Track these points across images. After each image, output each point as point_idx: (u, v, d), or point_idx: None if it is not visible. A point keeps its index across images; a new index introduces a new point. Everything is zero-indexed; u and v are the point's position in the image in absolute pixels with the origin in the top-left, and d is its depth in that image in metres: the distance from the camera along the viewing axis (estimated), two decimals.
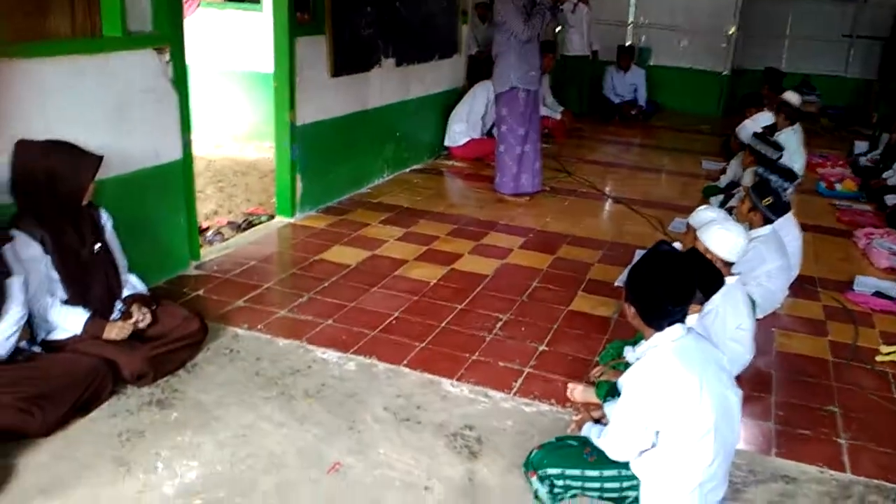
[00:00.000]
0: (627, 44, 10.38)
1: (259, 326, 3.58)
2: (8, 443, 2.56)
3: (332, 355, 3.35)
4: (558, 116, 8.38)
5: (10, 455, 2.54)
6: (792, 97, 6.31)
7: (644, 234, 5.20)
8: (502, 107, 5.91)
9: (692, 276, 2.33)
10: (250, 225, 5.13)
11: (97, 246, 3.11)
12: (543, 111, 7.98)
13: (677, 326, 2.30)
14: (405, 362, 3.32)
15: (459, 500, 2.47)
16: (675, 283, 2.30)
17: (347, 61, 5.50)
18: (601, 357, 3.26)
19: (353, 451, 2.69)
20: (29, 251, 2.89)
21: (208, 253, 4.45)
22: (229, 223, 5.13)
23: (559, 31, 9.50)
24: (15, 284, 2.78)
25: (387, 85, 6.13)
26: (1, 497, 2.36)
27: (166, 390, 3.00)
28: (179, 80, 3.89)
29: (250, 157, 7.12)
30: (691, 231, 3.29)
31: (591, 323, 3.83)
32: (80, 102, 3.36)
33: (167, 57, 3.79)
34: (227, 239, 4.82)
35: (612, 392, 2.75)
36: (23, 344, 2.88)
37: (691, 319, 2.54)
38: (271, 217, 5.28)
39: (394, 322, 3.72)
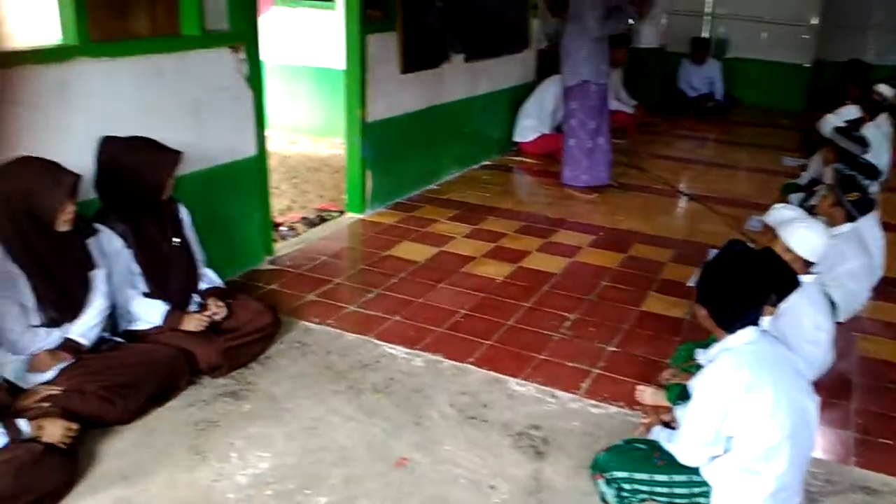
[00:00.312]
0: (703, 35, 10.07)
1: (329, 321, 3.64)
2: (91, 430, 2.68)
3: (399, 351, 3.39)
4: (631, 111, 8.22)
5: (93, 442, 2.66)
6: (885, 90, 6.02)
7: (719, 233, 5.05)
8: (572, 101, 5.85)
9: (766, 277, 2.25)
10: (322, 220, 5.22)
11: (176, 240, 3.22)
12: (616, 105, 7.86)
13: (750, 329, 2.24)
14: (471, 360, 3.33)
15: (525, 500, 2.46)
16: (748, 284, 2.23)
17: (417, 57, 5.53)
18: (673, 359, 3.19)
19: (419, 447, 2.71)
20: (112, 245, 3.01)
21: (281, 248, 4.56)
22: (302, 218, 5.24)
23: (632, 24, 9.30)
24: (99, 277, 2.91)
25: (456, 81, 6.13)
26: (84, 481, 2.47)
27: (240, 382, 3.09)
28: (254, 78, 3.99)
29: (323, 154, 7.24)
30: (768, 230, 3.18)
31: (662, 324, 3.75)
32: (160, 100, 3.48)
33: (242, 55, 3.89)
34: (299, 234, 4.93)
35: (682, 395, 2.69)
36: (106, 334, 3.01)
37: (765, 322, 2.46)
38: (342, 213, 5.36)
39: (460, 319, 3.72)
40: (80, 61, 3.09)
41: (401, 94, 5.43)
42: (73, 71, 3.06)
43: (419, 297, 3.96)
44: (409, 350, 3.40)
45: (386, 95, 5.25)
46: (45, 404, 2.60)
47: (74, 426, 2.50)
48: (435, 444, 2.73)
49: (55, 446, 2.41)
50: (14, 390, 2.67)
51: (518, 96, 7.17)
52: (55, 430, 2.44)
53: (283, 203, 5.62)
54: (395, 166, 5.53)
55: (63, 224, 2.68)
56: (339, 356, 3.32)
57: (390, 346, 3.43)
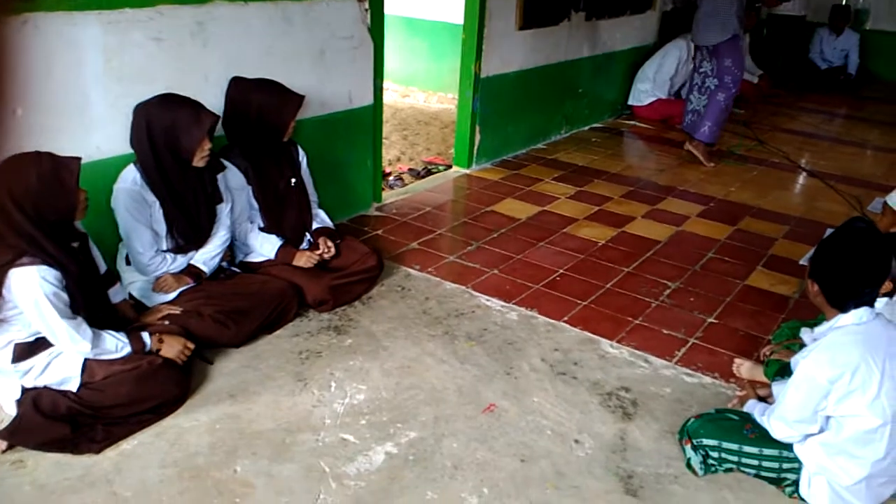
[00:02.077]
0: (843, 3, 9.42)
1: (429, 269, 3.75)
2: (204, 350, 2.90)
3: (495, 303, 3.45)
4: (755, 80, 7.85)
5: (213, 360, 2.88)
6: None
7: (838, 213, 4.81)
8: (726, 58, 5.56)
9: (886, 257, 2.16)
10: (429, 173, 5.32)
11: (293, 180, 3.38)
12: None
13: (864, 309, 2.16)
14: (566, 318, 3.35)
15: (609, 457, 2.50)
16: (869, 262, 2.14)
17: (536, 14, 5.47)
18: (775, 336, 3.11)
19: (507, 395, 2.78)
20: (235, 181, 3.20)
21: (388, 196, 4.69)
22: (409, 170, 5.36)
23: None
24: (224, 210, 3.11)
25: (573, 39, 6.04)
26: (196, 396, 2.69)
27: (343, 318, 3.25)
28: (376, 28, 4.08)
29: (434, 108, 7.33)
30: (889, 212, 3.01)
31: (767, 300, 3.65)
32: (286, 45, 3.62)
33: (366, 5, 3.98)
34: (406, 184, 5.05)
35: (781, 372, 2.64)
36: (224, 263, 3.21)
37: (880, 303, 2.36)
38: (448, 167, 5.44)
39: (558, 278, 3.74)
40: (216, 4, 3.25)
41: (516, 51, 5.41)
42: (209, 12, 3.23)
43: (518, 253, 4.00)
44: (504, 303, 3.46)
45: (501, 51, 5.24)
46: (166, 322, 2.83)
47: (191, 345, 2.72)
48: (524, 394, 2.80)
49: (173, 361, 2.62)
50: (138, 307, 2.92)
51: (636, 58, 6.99)
52: (174, 346, 2.65)
53: (392, 154, 5.75)
54: (505, 123, 5.53)
55: (199, 160, 2.86)
56: (437, 303, 3.43)
57: (486, 297, 3.50)
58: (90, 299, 2.49)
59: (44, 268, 2.27)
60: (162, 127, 2.77)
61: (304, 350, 3.00)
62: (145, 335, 2.60)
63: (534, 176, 5.27)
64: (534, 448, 2.51)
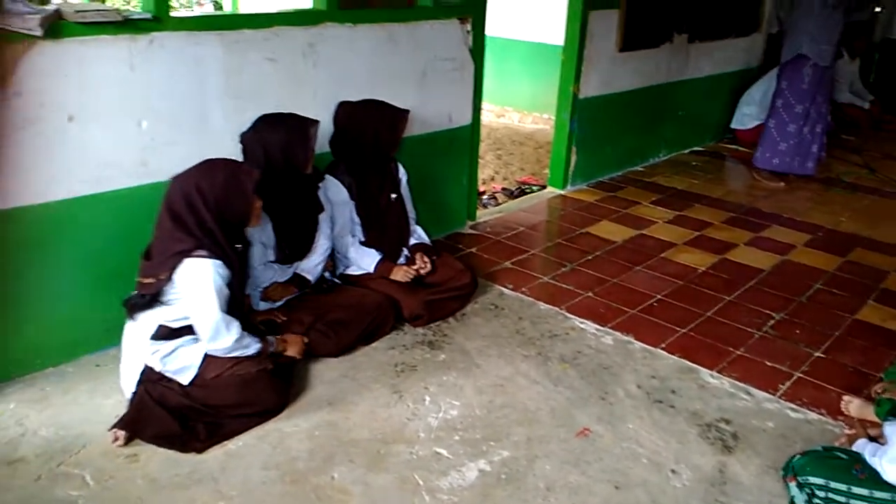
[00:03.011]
0: None
1: (523, 288, 3.75)
2: (306, 359, 2.98)
3: (589, 326, 3.42)
4: (866, 106, 7.50)
5: (305, 369, 2.97)
6: None
7: None
8: (783, 79, 5.45)
9: None
10: (522, 193, 5.34)
11: (393, 196, 3.47)
12: (848, 98, 7.24)
13: None
14: (663, 345, 3.29)
15: (707, 490, 2.42)
16: None
17: (638, 36, 5.42)
18: (887, 374, 2.94)
19: (602, 420, 2.74)
20: (339, 195, 3.31)
21: (483, 215, 4.74)
22: (503, 189, 5.39)
23: (880, 12, 8.42)
24: (325, 220, 3.22)
25: (675, 61, 5.94)
26: (296, 403, 2.77)
27: (437, 334, 3.29)
28: (477, 49, 4.15)
29: (529, 128, 7.35)
30: None
31: (878, 335, 3.46)
32: (391, 65, 3.73)
33: (469, 27, 4.06)
34: (500, 204, 5.08)
35: (894, 412, 2.50)
36: (326, 274, 3.32)
37: None
38: (543, 187, 5.44)
39: (655, 304, 3.67)
40: (326, 25, 3.39)
41: (616, 72, 5.37)
42: (320, 34, 3.37)
43: (614, 276, 3.95)
44: (599, 326, 3.42)
45: (601, 73, 5.22)
46: (261, 327, 2.95)
47: (307, 340, 2.83)
48: (619, 420, 2.75)
49: (273, 370, 2.71)
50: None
51: (740, 81, 6.81)
52: (297, 344, 2.79)
53: (486, 173, 5.80)
54: (602, 145, 5.49)
55: (307, 168, 2.99)
56: (531, 323, 3.42)
57: (581, 320, 3.47)
58: (238, 299, 2.68)
59: (218, 262, 2.49)
60: (278, 143, 2.90)
61: (400, 363, 3.05)
62: (270, 338, 2.75)
63: (631, 199, 5.20)
64: (629, 475, 2.47)
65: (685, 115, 6.32)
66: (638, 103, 5.70)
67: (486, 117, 7.38)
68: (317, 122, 3.02)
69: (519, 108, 7.85)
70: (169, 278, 2.48)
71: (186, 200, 2.48)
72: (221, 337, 2.54)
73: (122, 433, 2.47)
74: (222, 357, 2.59)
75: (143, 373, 2.60)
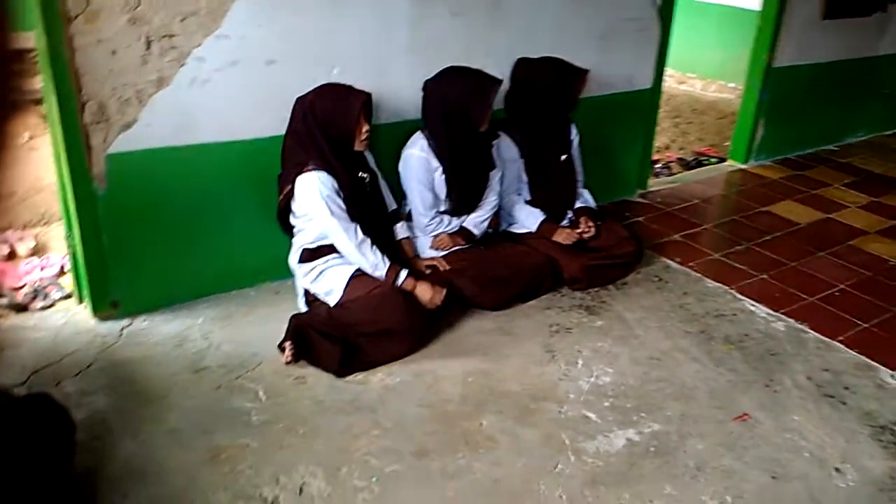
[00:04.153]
0: None
1: (691, 263, 3.61)
2: (465, 309, 3.08)
3: (760, 310, 3.24)
4: None
5: (463, 317, 3.06)
6: None
7: None
8: None
9: None
10: (699, 164, 5.10)
11: (563, 157, 3.43)
12: None
13: None
14: (841, 338, 3.05)
15: (875, 495, 2.25)
16: None
17: (845, 3, 4.94)
18: None
19: (764, 408, 2.61)
20: (510, 153, 3.33)
21: (654, 184, 4.58)
22: (678, 159, 5.17)
23: None
24: (495, 177, 3.25)
25: (887, 33, 5.37)
26: (454, 347, 2.86)
27: (595, 299, 3.26)
28: (666, 10, 3.97)
29: (711, 97, 6.97)
30: None
31: None
32: (575, 25, 3.66)
33: None
34: (674, 174, 4.89)
35: None
36: (490, 230, 3.37)
37: None
38: (722, 160, 5.16)
39: (836, 293, 3.41)
40: None
41: (815, 42, 4.95)
42: None
43: (793, 260, 3.70)
44: (771, 311, 3.23)
45: (799, 41, 4.83)
46: (428, 271, 3.05)
47: (442, 292, 2.88)
48: (783, 409, 2.61)
49: (404, 293, 2.79)
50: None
51: None
52: (426, 292, 2.85)
53: (661, 141, 5.58)
54: (793, 119, 5.11)
55: (483, 126, 3.03)
56: (696, 299, 3.30)
57: (751, 302, 3.29)
58: (370, 220, 2.84)
59: (322, 173, 2.70)
60: (455, 97, 2.96)
61: (555, 324, 3.06)
62: (403, 272, 2.84)
63: (820, 179, 4.82)
64: (788, 467, 2.34)
65: (892, 94, 5.71)
66: (837, 76, 5.23)
67: (666, 83, 7.05)
68: (499, 81, 3.04)
69: (703, 76, 7.44)
70: (291, 191, 2.74)
71: (302, 117, 2.75)
72: (345, 240, 2.74)
73: (288, 345, 2.68)
74: (365, 279, 2.77)
75: (303, 295, 2.86)
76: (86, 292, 2.91)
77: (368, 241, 2.79)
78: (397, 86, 3.17)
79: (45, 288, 3.16)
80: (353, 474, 2.21)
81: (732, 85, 6.95)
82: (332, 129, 2.74)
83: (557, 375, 2.74)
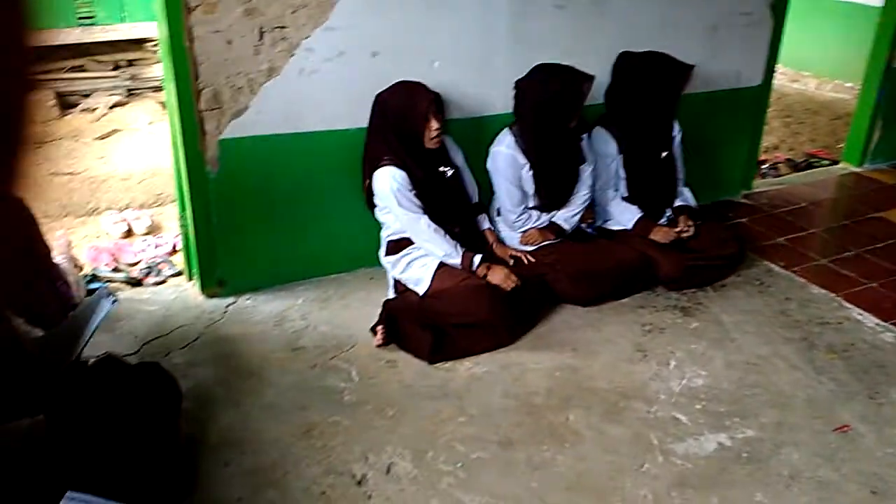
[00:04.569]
0: None
1: (795, 268, 3.47)
2: (556, 304, 3.08)
3: (868, 319, 3.08)
4: None
5: (560, 313, 3.06)
6: None
7: None
8: None
9: None
10: (809, 166, 4.88)
11: (664, 154, 3.36)
12: None
13: None
14: None
15: None
16: None
17: None
18: None
19: (866, 420, 2.49)
20: (606, 148, 3.29)
21: (760, 185, 4.42)
22: (787, 160, 4.97)
23: None
24: (586, 171, 3.22)
25: None
26: (542, 341, 2.87)
27: (691, 300, 3.18)
28: (780, 6, 3.82)
29: (826, 96, 6.65)
30: None
31: None
32: (682, 19, 3.57)
33: None
34: (781, 175, 4.70)
35: None
36: (583, 226, 3.34)
37: None
38: (834, 162, 4.92)
39: None
40: None
41: None
42: None
43: None
44: (880, 321, 3.07)
45: None
46: (511, 261, 3.06)
47: (514, 278, 2.87)
48: (887, 423, 2.48)
49: (496, 289, 2.82)
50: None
51: None
52: (497, 274, 2.86)
53: (770, 141, 5.37)
54: None
55: (573, 122, 3.01)
56: (799, 305, 3.17)
57: (859, 311, 3.13)
58: (452, 213, 2.94)
59: (393, 168, 2.78)
60: (547, 96, 2.96)
61: (648, 323, 3.01)
62: (477, 258, 2.88)
63: None
64: (890, 483, 2.23)
65: None
66: None
67: (778, 81, 6.76)
68: (592, 77, 3.00)
69: (818, 74, 7.09)
70: (370, 185, 2.86)
71: (378, 113, 2.87)
72: (416, 230, 2.83)
73: (380, 330, 2.76)
74: (452, 270, 2.83)
75: (394, 285, 2.97)
76: (195, 270, 3.09)
77: (441, 231, 2.86)
78: (497, 80, 3.19)
79: (157, 265, 3.37)
80: (438, 458, 2.26)
81: (850, 85, 6.59)
82: (403, 126, 2.82)
83: (648, 375, 2.70)
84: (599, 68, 3.11)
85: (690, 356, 2.81)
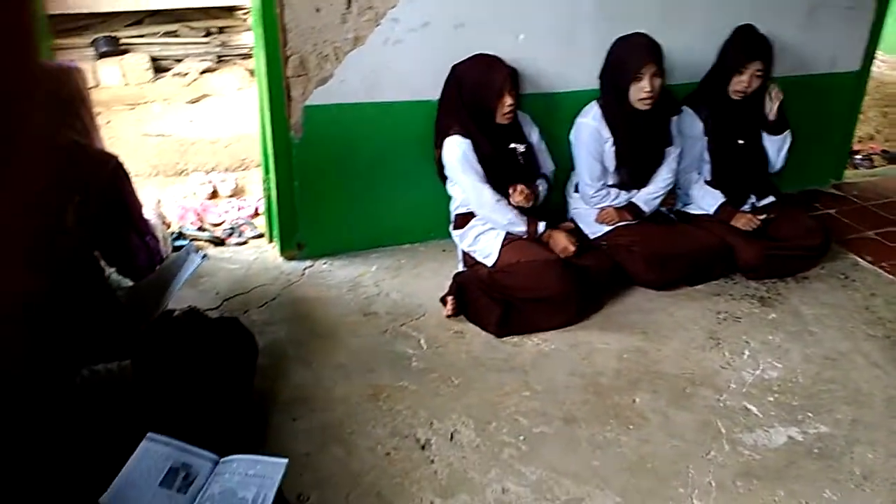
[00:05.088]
0: None
1: (883, 263, 3.32)
2: (629, 286, 3.05)
3: None
4: None
5: (632, 295, 3.03)
6: None
7: None
8: None
9: None
10: None
11: (740, 142, 3.24)
12: None
13: None
14: None
15: None
16: None
17: None
18: None
19: None
20: (693, 129, 3.21)
21: (851, 176, 4.24)
22: (883, 151, 4.74)
23: None
24: (672, 153, 3.15)
25: None
26: (611, 323, 2.84)
27: (770, 290, 3.09)
28: None
29: None
30: None
31: None
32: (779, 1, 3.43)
33: None
34: (875, 166, 4.49)
35: None
36: (664, 209, 3.28)
37: None
38: None
39: None
40: None
41: None
42: None
43: None
44: None
45: None
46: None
47: (572, 247, 2.85)
48: None
49: (565, 264, 2.80)
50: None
51: None
52: (560, 242, 2.87)
53: (865, 130, 5.14)
54: None
55: (643, 105, 2.95)
56: (885, 302, 3.04)
57: None
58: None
59: (459, 137, 2.81)
60: (625, 67, 2.90)
61: (723, 311, 2.95)
62: (542, 224, 2.89)
63: None
64: None
65: None
66: None
67: (878, 68, 6.44)
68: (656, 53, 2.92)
69: None
70: (440, 156, 2.87)
71: (452, 85, 2.88)
72: (480, 198, 2.84)
73: (450, 300, 2.79)
74: (520, 243, 2.84)
75: (463, 258, 3.00)
76: (276, 233, 3.18)
77: (504, 200, 2.87)
78: (580, 55, 3.15)
79: (240, 226, 3.49)
80: (501, 429, 2.28)
81: None
82: (476, 99, 2.82)
83: (720, 363, 2.65)
84: (694, 46, 3.03)
85: (766, 347, 2.74)
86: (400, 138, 3.08)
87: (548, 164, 3.11)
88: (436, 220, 3.25)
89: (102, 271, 2.22)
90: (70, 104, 2.41)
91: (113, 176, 2.56)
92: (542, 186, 3.06)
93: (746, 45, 3.08)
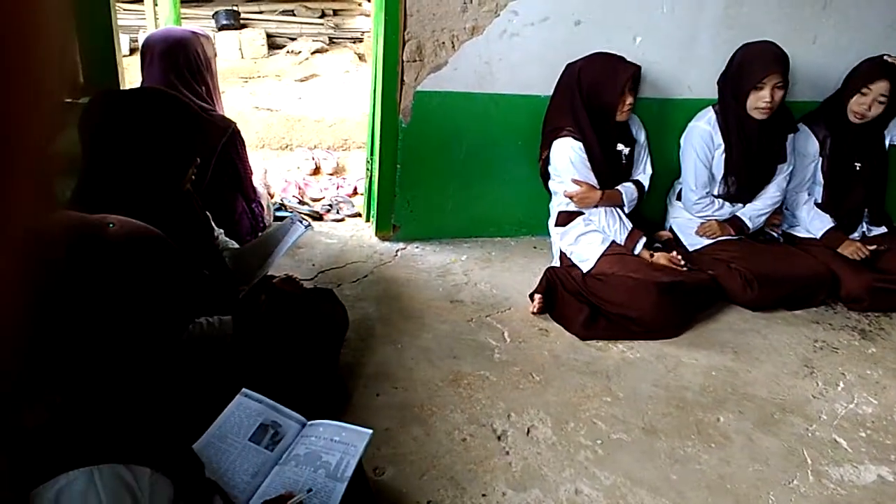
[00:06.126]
0: None
1: None
2: (724, 303, 2.98)
3: None
4: None
5: (726, 312, 2.96)
6: None
7: None
8: None
9: None
10: None
11: (865, 164, 3.11)
12: None
13: None
14: None
15: None
16: None
17: None
18: None
19: None
20: (809, 148, 3.10)
21: None
22: None
23: None
24: (783, 171, 3.05)
25: None
26: (701, 338, 2.78)
27: (873, 324, 2.96)
28: None
29: None
30: None
31: None
32: (853, 16, 3.24)
33: None
34: None
35: None
36: (768, 229, 3.18)
37: None
38: None
39: None
40: None
41: None
42: None
43: None
44: None
45: None
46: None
47: (681, 263, 2.83)
48: None
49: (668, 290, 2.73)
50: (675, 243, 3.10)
51: None
52: (663, 256, 2.85)
53: None
54: None
55: (762, 113, 2.86)
56: None
57: None
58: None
59: (573, 140, 2.78)
60: (746, 71, 2.82)
61: (820, 340, 2.84)
62: (641, 241, 2.86)
63: None
64: None
65: None
66: None
67: None
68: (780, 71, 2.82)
69: None
70: (547, 155, 2.84)
71: (568, 83, 2.83)
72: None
73: (538, 297, 2.79)
74: (620, 256, 2.81)
75: (559, 257, 2.97)
76: (373, 213, 3.26)
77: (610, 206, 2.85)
78: (701, 60, 3.09)
79: (339, 203, 3.59)
80: (579, 431, 2.27)
81: None
82: (595, 99, 2.79)
83: (812, 392, 2.55)
84: (816, 64, 2.92)
85: (862, 381, 2.63)
86: (504, 131, 3.09)
87: (647, 169, 3.06)
88: (529, 216, 3.26)
89: (213, 231, 2.33)
90: (199, 70, 2.54)
91: (230, 142, 2.68)
92: (633, 192, 2.99)
93: (871, 65, 2.95)
